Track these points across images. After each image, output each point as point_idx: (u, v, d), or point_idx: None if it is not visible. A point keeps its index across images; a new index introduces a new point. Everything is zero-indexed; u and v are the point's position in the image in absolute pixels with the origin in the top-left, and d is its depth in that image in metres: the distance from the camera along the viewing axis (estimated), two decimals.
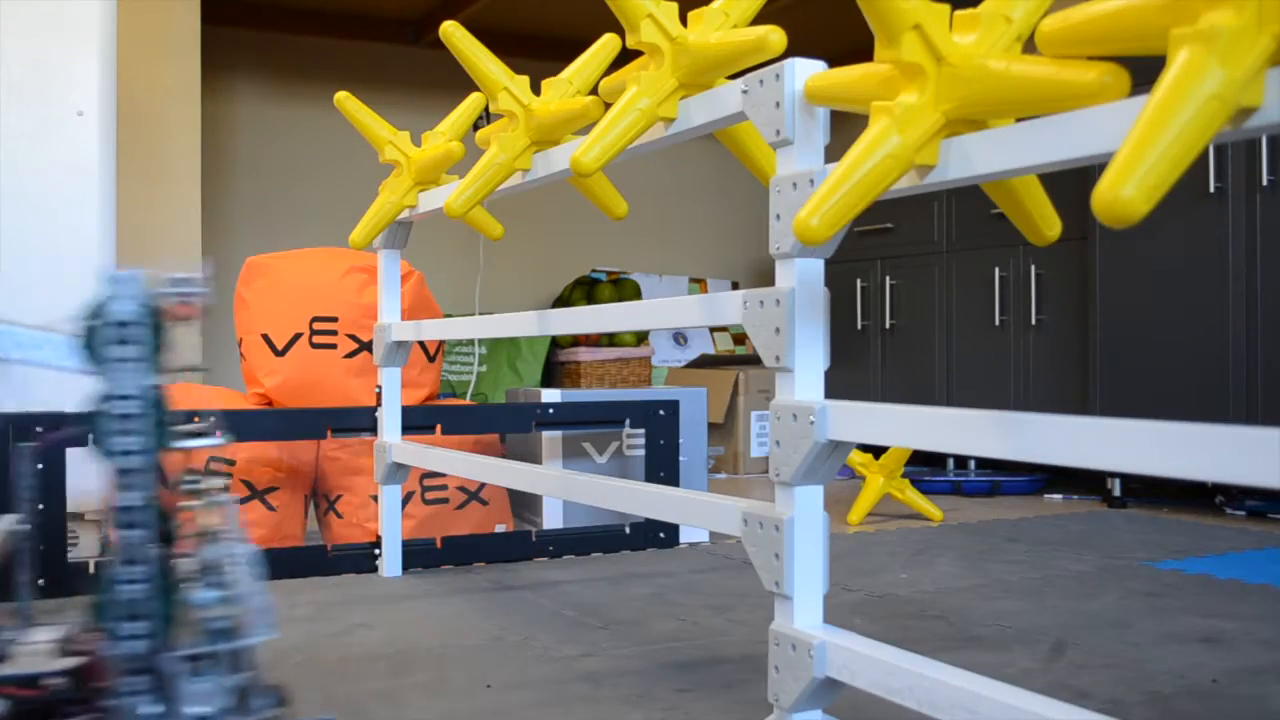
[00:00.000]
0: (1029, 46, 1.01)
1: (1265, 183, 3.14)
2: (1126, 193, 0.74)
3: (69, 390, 2.60)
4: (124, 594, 0.99)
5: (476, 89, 1.76)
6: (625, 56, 1.56)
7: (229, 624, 1.00)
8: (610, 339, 4.15)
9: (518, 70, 1.74)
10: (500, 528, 2.82)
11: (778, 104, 1.23)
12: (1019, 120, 1.00)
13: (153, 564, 1.01)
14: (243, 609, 1.01)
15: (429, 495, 2.72)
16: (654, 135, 1.46)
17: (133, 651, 0.99)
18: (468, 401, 4.07)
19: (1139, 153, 0.75)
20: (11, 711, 0.99)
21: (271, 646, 1.87)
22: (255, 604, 1.01)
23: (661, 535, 2.81)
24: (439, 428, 2.63)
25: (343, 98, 2.14)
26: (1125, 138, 0.77)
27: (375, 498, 2.59)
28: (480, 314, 4.21)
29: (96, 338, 1.02)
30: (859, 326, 4.64)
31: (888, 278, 4.52)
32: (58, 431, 1.23)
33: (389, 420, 2.40)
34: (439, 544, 2.58)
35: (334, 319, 2.79)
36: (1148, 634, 1.91)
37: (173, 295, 1.07)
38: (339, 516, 2.73)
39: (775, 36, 1.26)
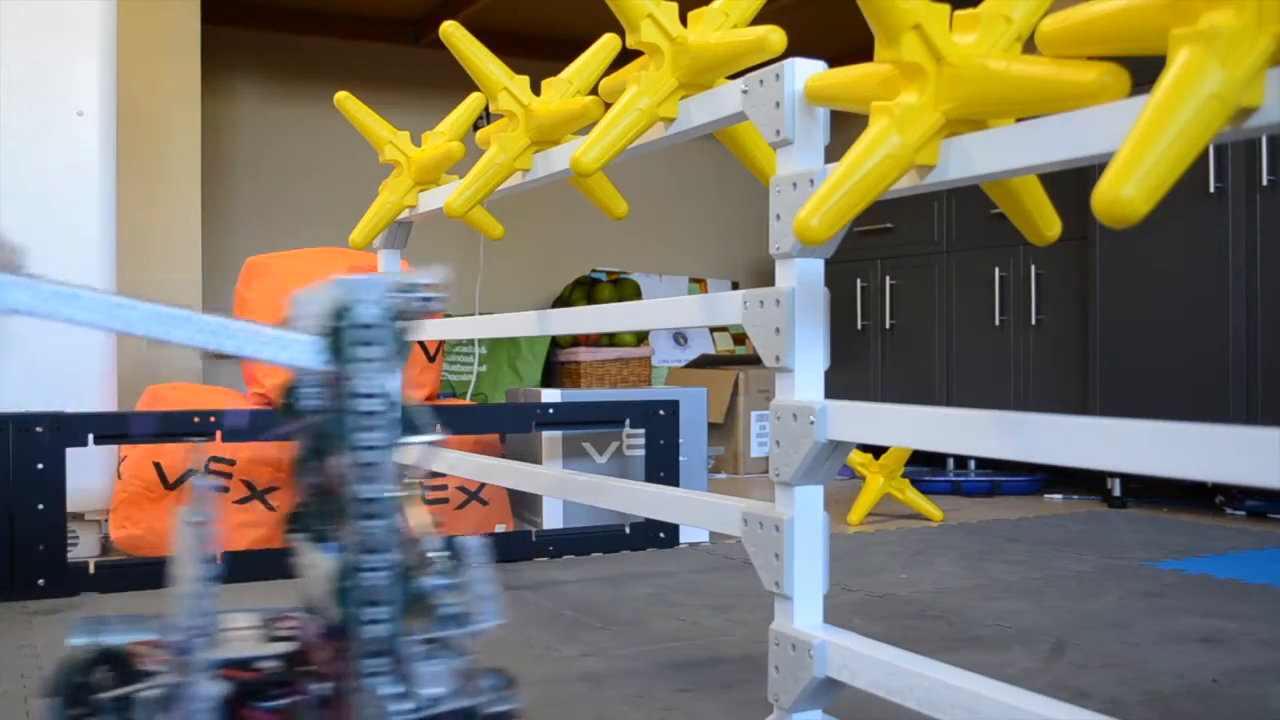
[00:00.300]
0: (1029, 47, 1.01)
1: (1265, 183, 3.14)
2: (1126, 193, 0.74)
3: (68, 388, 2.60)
4: (367, 581, 1.05)
5: (476, 89, 1.76)
6: (626, 56, 1.56)
7: (459, 610, 1.05)
8: (610, 339, 4.15)
9: (518, 70, 1.74)
10: (500, 528, 2.82)
11: (778, 104, 1.23)
12: (1019, 120, 1.00)
13: (393, 553, 1.06)
14: (471, 596, 1.06)
15: (429, 495, 2.72)
16: (654, 135, 1.46)
17: (374, 635, 1.04)
18: (468, 401, 4.08)
19: (1139, 153, 0.75)
20: (232, 693, 1.05)
21: None
22: (481, 591, 1.07)
23: (661, 535, 2.81)
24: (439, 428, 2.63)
25: (343, 98, 2.14)
26: (1125, 138, 0.77)
27: None
28: (480, 314, 4.22)
29: (341, 339, 1.07)
30: (859, 326, 4.64)
31: (888, 278, 4.52)
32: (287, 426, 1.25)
33: None
34: None
35: None
36: (1148, 634, 1.91)
37: (413, 299, 1.11)
38: None
39: (775, 36, 1.27)
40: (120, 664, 1.23)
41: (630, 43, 1.44)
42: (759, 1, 1.41)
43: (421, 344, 2.88)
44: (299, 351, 1.11)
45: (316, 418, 1.14)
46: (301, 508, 1.26)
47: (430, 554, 1.10)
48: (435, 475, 2.70)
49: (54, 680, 1.20)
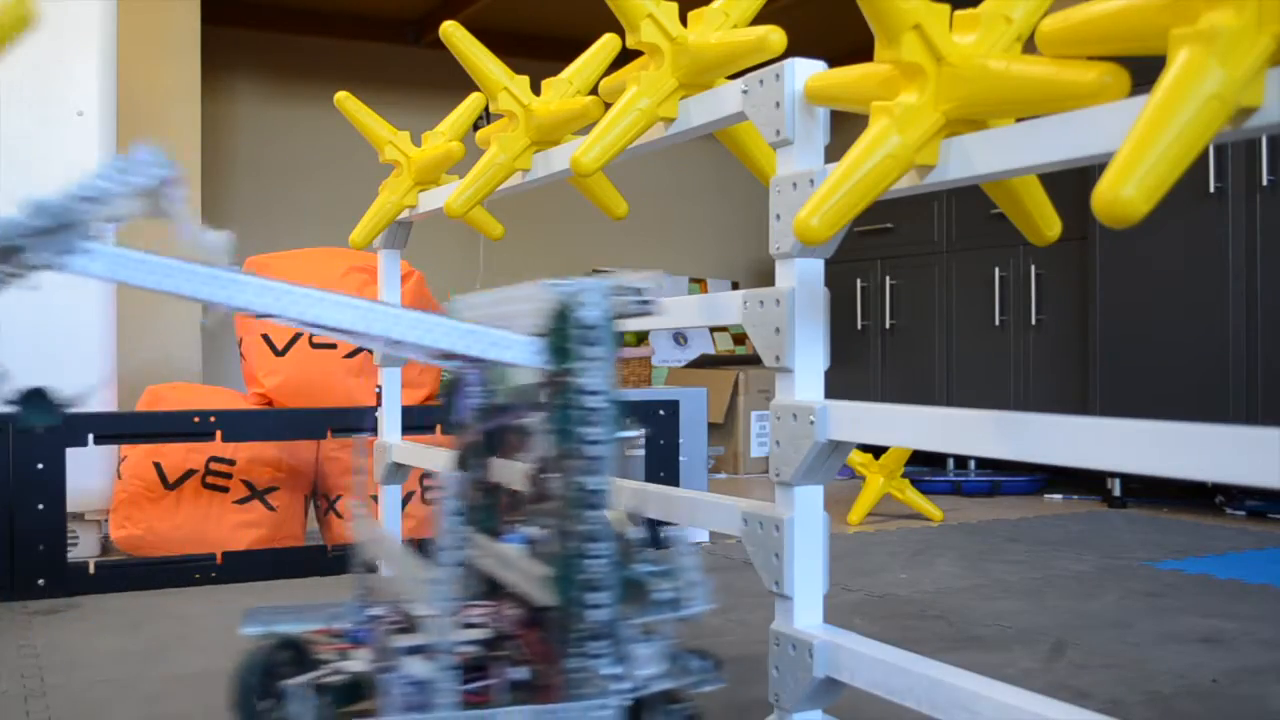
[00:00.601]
0: (1030, 47, 1.01)
1: (1265, 183, 3.14)
2: (1126, 193, 0.74)
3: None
4: (590, 568, 1.10)
5: (476, 89, 1.76)
6: (625, 57, 1.56)
7: (671, 596, 1.11)
8: None
9: (518, 70, 1.74)
10: None
11: (778, 104, 1.23)
12: (1019, 120, 1.00)
13: (613, 542, 1.12)
14: (681, 582, 1.12)
15: (429, 495, 2.72)
16: (654, 135, 1.46)
17: (596, 619, 1.10)
18: None
19: (1139, 153, 0.75)
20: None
21: None
22: (691, 578, 1.13)
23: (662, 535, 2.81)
24: (439, 428, 2.63)
25: (343, 98, 2.14)
26: (1125, 138, 0.76)
27: (375, 498, 2.58)
28: None
29: (565, 340, 1.13)
30: (859, 326, 4.64)
31: (888, 278, 4.52)
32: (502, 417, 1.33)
33: (389, 420, 2.40)
34: None
35: None
36: (1148, 634, 1.91)
37: (630, 301, 1.16)
38: (339, 516, 2.74)
39: (775, 36, 1.27)
40: (299, 652, 1.31)
41: (630, 43, 1.43)
42: (759, 1, 1.40)
43: None
44: (520, 352, 1.15)
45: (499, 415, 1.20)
46: (473, 502, 1.33)
47: (639, 544, 1.15)
48: (435, 475, 2.69)
49: (242, 669, 1.29)
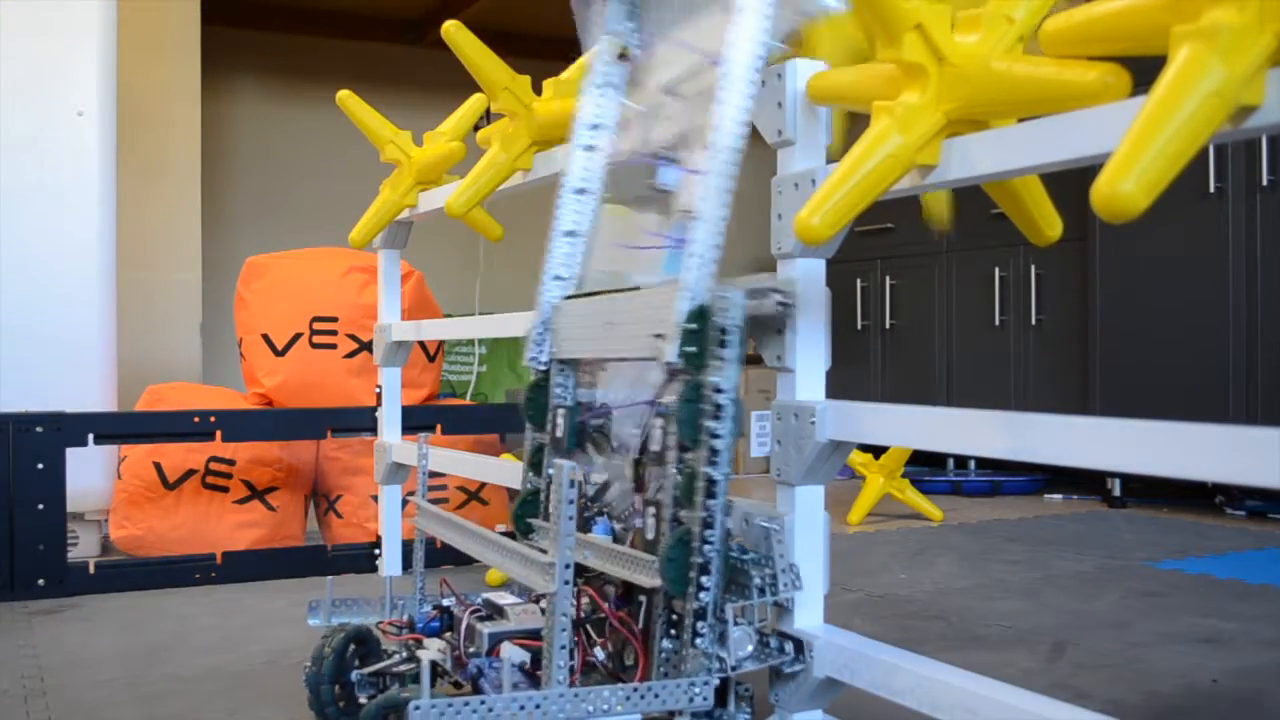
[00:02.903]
0: (1033, 49, 1.01)
1: (1265, 183, 3.14)
2: (1125, 187, 0.74)
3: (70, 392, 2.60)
4: (705, 554, 1.16)
5: (477, 89, 1.76)
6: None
7: (765, 582, 1.18)
8: None
9: (518, 70, 1.74)
10: (500, 528, 2.82)
11: (779, 104, 1.23)
12: (1020, 120, 1.00)
13: (725, 530, 1.18)
14: (774, 570, 1.20)
15: (429, 495, 2.72)
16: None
17: (704, 602, 1.16)
18: (468, 401, 4.08)
19: (1138, 147, 0.75)
20: (528, 661, 1.21)
21: (270, 648, 1.88)
22: (781, 566, 1.20)
23: None
24: (439, 428, 2.63)
25: (345, 96, 2.14)
26: (1125, 133, 0.76)
27: (375, 498, 2.58)
28: (480, 314, 4.22)
29: (699, 341, 1.20)
30: (859, 326, 4.64)
31: (888, 278, 4.52)
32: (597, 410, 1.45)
33: (389, 420, 2.40)
34: (439, 544, 2.58)
35: (334, 319, 2.79)
36: (1148, 634, 1.91)
37: (769, 303, 1.24)
38: (339, 516, 2.74)
39: None
40: (368, 643, 1.40)
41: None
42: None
43: (422, 344, 2.88)
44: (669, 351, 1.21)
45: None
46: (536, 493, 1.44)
47: (735, 532, 1.24)
48: (435, 475, 2.69)
49: (317, 661, 1.35)
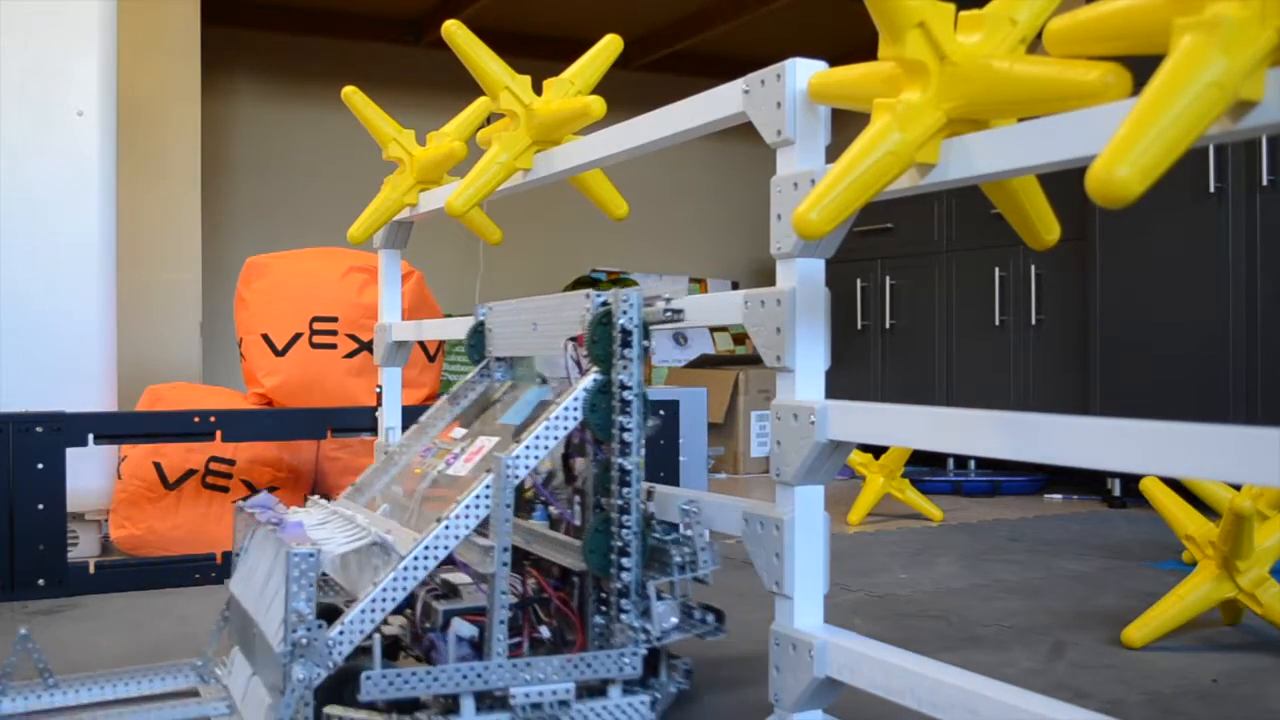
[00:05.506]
0: (1036, 48, 1.01)
1: (1265, 182, 3.14)
2: (1121, 172, 0.74)
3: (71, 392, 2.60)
4: (624, 537, 1.31)
5: (476, 89, 1.76)
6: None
7: (683, 559, 1.32)
8: None
9: (518, 70, 1.74)
10: None
11: (779, 104, 1.23)
12: (1021, 120, 1.00)
13: (640, 514, 1.32)
14: (693, 549, 1.32)
15: None
16: (654, 137, 1.46)
17: (625, 580, 1.31)
18: None
19: (1136, 133, 0.75)
20: (477, 635, 1.32)
21: None
22: (700, 544, 1.33)
23: None
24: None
25: (350, 93, 2.13)
26: (1123, 120, 0.76)
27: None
28: None
29: (606, 339, 1.34)
30: (859, 326, 4.64)
31: (888, 278, 4.52)
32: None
33: (389, 420, 2.40)
34: None
35: (334, 319, 2.79)
36: None
37: (659, 311, 1.36)
38: None
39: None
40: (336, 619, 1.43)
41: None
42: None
43: (422, 344, 2.88)
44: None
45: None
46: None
47: (654, 514, 1.38)
48: None
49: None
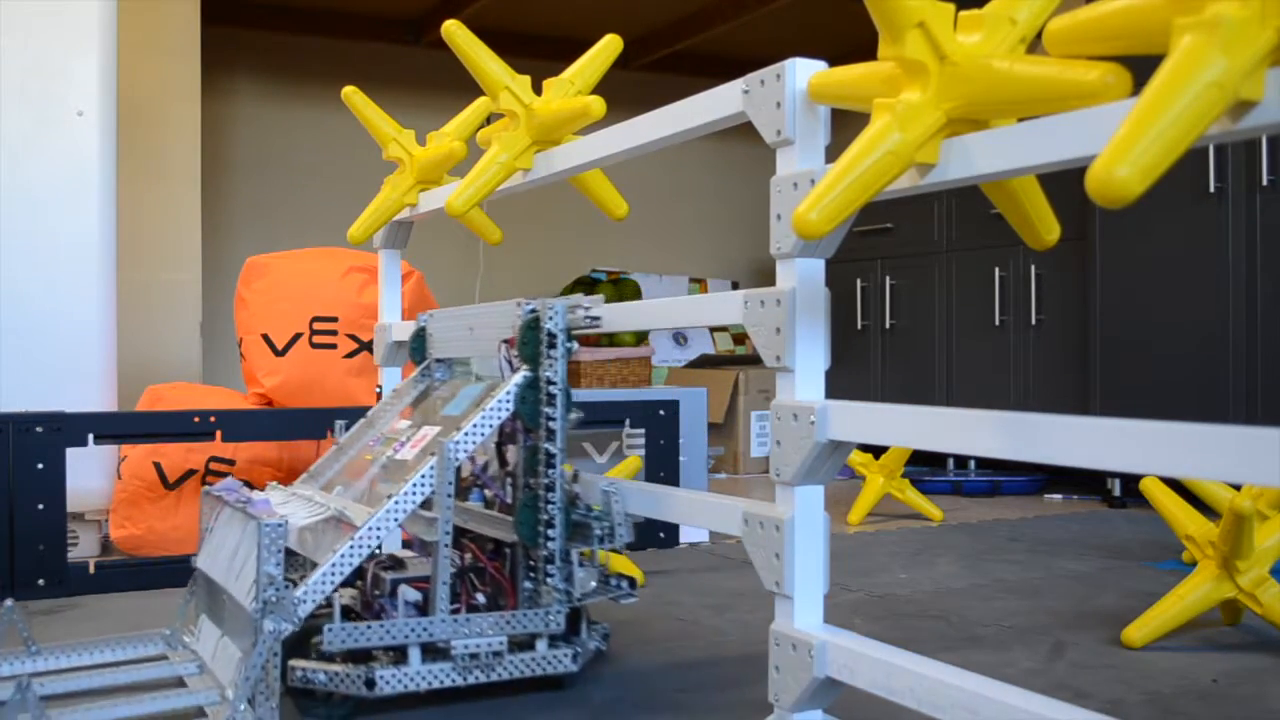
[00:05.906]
0: (1037, 49, 1.01)
1: (1265, 182, 3.14)
2: (1121, 172, 0.74)
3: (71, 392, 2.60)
4: (549, 511, 1.52)
5: (476, 89, 1.76)
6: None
7: (602, 532, 1.51)
8: (610, 339, 4.15)
9: (518, 70, 1.74)
10: None
11: (778, 104, 1.23)
12: (1021, 120, 1.00)
13: (564, 492, 1.54)
14: (610, 524, 1.52)
15: None
16: (654, 137, 1.46)
17: (550, 549, 1.52)
18: None
19: (1136, 133, 0.75)
20: (421, 599, 1.48)
21: None
22: (618, 520, 1.53)
23: (661, 535, 2.81)
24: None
25: (350, 92, 2.13)
26: (1123, 120, 0.76)
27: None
28: None
29: (535, 344, 1.54)
30: (859, 326, 4.64)
31: (888, 278, 4.52)
32: None
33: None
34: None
35: (334, 319, 2.79)
36: None
37: (581, 318, 1.54)
38: None
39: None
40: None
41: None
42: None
43: None
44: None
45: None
46: None
47: (579, 494, 1.58)
48: None
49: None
